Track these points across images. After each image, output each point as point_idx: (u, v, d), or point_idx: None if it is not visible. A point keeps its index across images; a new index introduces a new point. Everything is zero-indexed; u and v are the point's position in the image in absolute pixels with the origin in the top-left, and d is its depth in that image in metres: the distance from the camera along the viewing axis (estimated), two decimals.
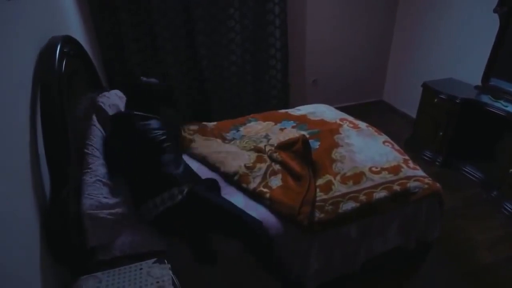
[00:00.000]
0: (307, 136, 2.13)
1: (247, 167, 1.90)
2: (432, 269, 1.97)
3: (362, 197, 1.70)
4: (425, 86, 2.96)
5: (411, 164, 1.95)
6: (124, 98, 2.12)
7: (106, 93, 2.05)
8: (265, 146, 2.13)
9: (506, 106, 2.41)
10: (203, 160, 2.03)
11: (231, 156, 2.01)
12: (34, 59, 1.29)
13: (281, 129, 2.38)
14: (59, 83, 1.27)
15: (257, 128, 2.42)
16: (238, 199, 1.67)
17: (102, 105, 1.89)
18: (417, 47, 3.52)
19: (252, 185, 1.77)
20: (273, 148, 2.08)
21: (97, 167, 1.49)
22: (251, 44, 3.17)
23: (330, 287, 1.79)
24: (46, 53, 1.34)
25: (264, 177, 1.84)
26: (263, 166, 1.92)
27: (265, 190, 1.72)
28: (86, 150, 1.53)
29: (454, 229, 2.24)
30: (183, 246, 1.48)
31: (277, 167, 1.91)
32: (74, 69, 1.64)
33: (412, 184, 1.78)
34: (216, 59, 3.10)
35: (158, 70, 2.98)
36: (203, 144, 2.17)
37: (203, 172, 1.90)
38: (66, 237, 1.19)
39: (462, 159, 2.84)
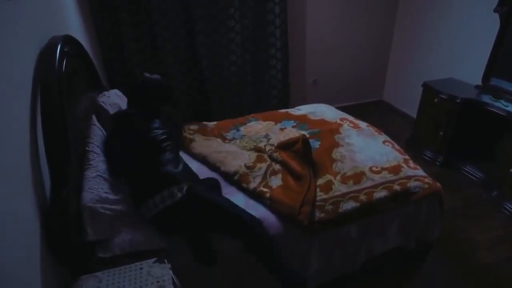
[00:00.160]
0: (307, 135, 2.13)
1: (247, 167, 1.90)
2: (432, 269, 1.97)
3: (362, 197, 1.69)
4: (425, 86, 2.96)
5: (411, 163, 1.94)
6: (124, 98, 2.13)
7: (106, 93, 2.05)
8: (265, 145, 2.13)
9: (507, 106, 2.41)
10: (203, 159, 2.03)
11: (231, 155, 2.01)
12: (34, 59, 1.29)
13: (281, 129, 2.38)
14: (59, 83, 1.27)
15: (257, 127, 2.42)
16: (238, 199, 1.67)
17: (103, 104, 1.90)
18: (417, 47, 3.52)
19: (252, 185, 1.77)
20: (273, 147, 2.08)
21: (98, 163, 1.50)
22: (251, 44, 3.17)
23: (330, 287, 1.79)
24: (46, 53, 1.34)
25: (264, 176, 1.84)
26: (263, 165, 1.92)
27: (265, 189, 1.72)
28: (86, 148, 1.54)
29: (454, 229, 2.24)
30: (183, 246, 1.48)
31: (277, 166, 1.91)
32: (74, 69, 1.64)
33: (412, 183, 1.78)
34: (216, 59, 3.10)
35: (158, 70, 2.97)
36: (203, 144, 2.17)
37: (203, 172, 1.90)
38: (66, 237, 1.19)
39: (462, 159, 2.84)
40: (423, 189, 1.76)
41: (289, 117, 2.57)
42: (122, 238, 1.40)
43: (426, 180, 1.82)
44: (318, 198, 1.69)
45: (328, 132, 2.26)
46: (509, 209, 2.35)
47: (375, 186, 1.76)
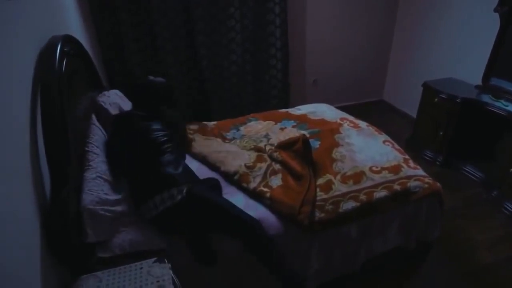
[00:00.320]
0: (308, 135, 2.13)
1: (247, 167, 1.90)
2: (432, 269, 1.97)
3: (363, 197, 1.69)
4: (425, 85, 2.96)
5: (411, 163, 1.94)
6: (124, 98, 2.13)
7: (106, 92, 2.05)
8: (265, 145, 2.13)
9: (507, 106, 2.41)
10: (203, 159, 2.03)
11: (231, 155, 2.01)
12: (34, 59, 1.29)
13: (281, 129, 2.38)
14: (59, 83, 1.27)
15: (257, 127, 2.42)
16: (238, 199, 1.67)
17: (102, 104, 1.90)
18: (417, 47, 3.52)
19: (252, 185, 1.77)
20: (273, 147, 2.08)
21: (98, 164, 1.50)
22: (251, 43, 3.17)
23: (330, 287, 1.79)
24: (46, 52, 1.34)
25: (264, 176, 1.84)
26: (263, 165, 1.92)
27: (265, 189, 1.72)
28: (86, 148, 1.54)
29: (454, 229, 2.24)
30: (183, 246, 1.48)
31: (277, 166, 1.91)
32: (74, 69, 1.64)
33: (412, 183, 1.78)
34: (216, 59, 3.10)
35: (158, 70, 2.98)
36: (203, 144, 2.17)
37: (203, 172, 1.90)
38: (66, 237, 1.19)
39: (462, 159, 2.84)
40: (423, 189, 1.76)
41: (289, 117, 2.57)
42: (122, 238, 1.40)
43: (426, 180, 1.82)
44: (318, 198, 1.69)
45: (328, 132, 2.26)
46: (509, 209, 2.35)
47: (375, 186, 1.76)
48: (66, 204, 1.18)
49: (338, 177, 1.82)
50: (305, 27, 3.46)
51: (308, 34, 3.50)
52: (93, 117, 1.79)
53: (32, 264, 1.04)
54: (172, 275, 1.19)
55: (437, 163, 2.93)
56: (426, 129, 3.02)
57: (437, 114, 2.84)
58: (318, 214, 1.61)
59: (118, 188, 1.54)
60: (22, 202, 1.04)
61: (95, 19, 2.67)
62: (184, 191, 1.47)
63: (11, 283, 0.90)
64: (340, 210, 1.64)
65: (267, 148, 2.09)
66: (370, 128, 2.35)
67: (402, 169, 1.87)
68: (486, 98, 2.56)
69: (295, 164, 1.87)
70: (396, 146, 2.15)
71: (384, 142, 2.16)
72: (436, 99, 2.80)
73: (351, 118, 2.52)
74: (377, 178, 1.81)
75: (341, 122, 2.43)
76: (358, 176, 1.81)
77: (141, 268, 1.20)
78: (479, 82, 2.74)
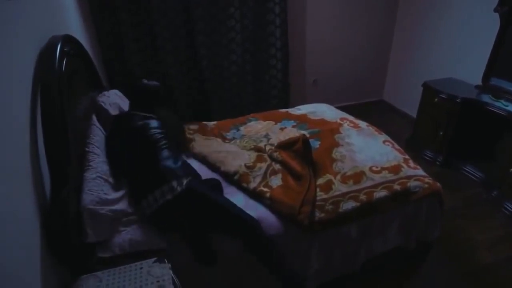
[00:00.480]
0: (308, 135, 2.13)
1: (247, 167, 1.90)
2: (432, 269, 1.97)
3: (363, 197, 1.69)
4: (425, 85, 2.96)
5: (411, 163, 1.94)
6: (124, 98, 2.13)
7: (106, 93, 2.06)
8: (265, 145, 2.13)
9: (507, 106, 2.41)
10: (203, 159, 2.03)
11: (231, 155, 2.01)
12: (34, 59, 1.29)
13: (281, 129, 2.38)
14: (59, 83, 1.27)
15: (257, 127, 2.42)
16: (238, 199, 1.67)
17: (102, 104, 1.91)
18: (417, 47, 3.52)
19: (252, 185, 1.77)
20: (273, 147, 2.08)
21: (98, 164, 1.50)
22: (251, 43, 3.17)
23: (330, 287, 1.79)
24: (46, 52, 1.34)
25: (264, 176, 1.84)
26: (263, 165, 1.92)
27: (265, 189, 1.72)
28: (86, 149, 1.55)
29: (454, 229, 2.23)
30: (183, 246, 1.48)
31: (277, 166, 1.91)
32: (74, 69, 1.64)
33: (412, 183, 1.78)
34: (216, 59, 3.10)
35: (158, 70, 2.98)
36: (203, 144, 2.17)
37: (203, 172, 1.90)
38: (66, 237, 1.19)
39: (462, 159, 2.84)
40: (423, 189, 1.76)
41: (289, 116, 2.57)
42: (122, 238, 1.40)
43: (426, 180, 1.82)
44: (318, 198, 1.69)
45: (328, 132, 2.26)
46: (509, 209, 2.35)
47: (375, 186, 1.76)
48: (66, 204, 1.18)
49: (338, 177, 1.82)
50: (305, 27, 3.46)
51: (308, 34, 3.50)
52: (94, 117, 1.79)
53: (32, 264, 1.04)
54: (172, 275, 1.19)
55: (437, 163, 2.93)
56: (426, 129, 3.02)
57: (437, 114, 2.84)
58: (318, 214, 1.61)
59: (118, 188, 1.54)
60: (22, 202, 1.04)
61: (95, 19, 2.67)
62: (184, 183, 1.48)
63: (11, 283, 0.90)
64: (340, 210, 1.64)
65: (267, 148, 2.09)
66: (370, 128, 2.35)
67: (402, 169, 1.87)
68: (486, 98, 2.56)
69: (295, 164, 1.87)
70: (396, 146, 2.15)
71: (384, 142, 2.16)
72: (436, 99, 2.80)
73: (351, 118, 2.52)
74: (377, 178, 1.81)
75: (341, 122, 2.43)
76: (358, 176, 1.81)
77: (141, 268, 1.20)
78: (479, 82, 2.74)
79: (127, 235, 1.42)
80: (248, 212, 1.55)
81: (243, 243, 1.50)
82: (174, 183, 1.47)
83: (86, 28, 2.47)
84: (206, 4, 2.83)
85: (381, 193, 1.72)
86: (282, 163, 1.92)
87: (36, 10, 1.43)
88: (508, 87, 2.52)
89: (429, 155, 3.01)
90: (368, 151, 2.02)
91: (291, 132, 2.32)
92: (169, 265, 1.23)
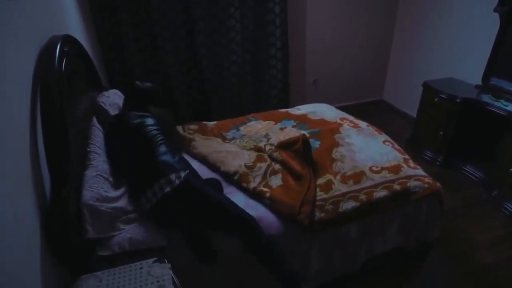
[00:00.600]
0: (307, 135, 2.13)
1: (247, 167, 1.90)
2: (432, 269, 1.97)
3: (362, 197, 1.69)
4: (425, 85, 2.96)
5: (411, 163, 1.94)
6: (123, 97, 2.14)
7: (105, 93, 2.06)
8: (265, 145, 2.13)
9: (507, 106, 2.41)
10: (203, 159, 2.03)
11: (231, 155, 2.01)
12: (34, 59, 1.29)
13: (281, 129, 2.38)
14: (59, 83, 1.27)
15: (257, 127, 2.42)
16: (238, 199, 1.68)
17: (102, 105, 1.91)
18: (417, 47, 3.52)
19: (252, 185, 1.77)
20: (273, 147, 2.08)
21: (98, 163, 1.52)
22: (251, 43, 3.17)
23: (330, 287, 1.79)
24: (46, 52, 1.34)
25: (264, 176, 1.84)
26: (263, 165, 1.92)
27: (265, 189, 1.72)
28: (87, 148, 1.56)
29: (454, 229, 2.23)
30: (183, 245, 1.48)
31: (277, 166, 1.91)
32: (74, 69, 1.64)
33: (412, 183, 1.78)
34: (216, 59, 3.10)
35: (158, 70, 2.98)
36: (203, 144, 2.17)
37: (203, 172, 1.90)
38: (66, 237, 1.19)
39: (462, 158, 2.84)
40: (423, 188, 1.76)
41: (289, 116, 2.57)
42: (122, 237, 1.41)
43: (426, 179, 1.82)
44: (318, 197, 1.69)
45: (328, 132, 2.26)
46: (509, 209, 2.35)
47: (375, 186, 1.76)
48: (66, 204, 1.18)
49: (338, 177, 1.82)
50: (305, 27, 3.46)
51: (308, 34, 3.50)
52: (94, 119, 1.80)
53: (32, 264, 1.04)
54: (172, 275, 1.19)
55: (437, 163, 2.93)
56: (426, 129, 3.02)
57: (437, 114, 2.84)
58: (318, 214, 1.61)
59: (118, 187, 1.54)
60: (22, 202, 1.04)
61: (95, 19, 2.67)
62: (183, 176, 1.49)
63: (11, 283, 0.90)
64: (340, 210, 1.64)
65: (267, 148, 2.09)
66: (370, 128, 2.35)
67: (402, 169, 1.87)
68: (486, 98, 2.56)
69: (295, 164, 1.87)
70: (396, 146, 2.15)
71: (384, 142, 2.16)
72: (436, 99, 2.80)
73: (351, 118, 2.52)
74: (377, 178, 1.81)
75: (341, 122, 2.43)
76: (358, 176, 1.81)
77: (141, 268, 1.20)
78: (479, 82, 2.74)
79: (127, 233, 1.42)
80: (248, 212, 1.55)
81: (243, 243, 1.50)
82: (172, 176, 1.48)
83: (86, 28, 2.47)
84: (206, 4, 2.83)
85: (381, 193, 1.72)
86: (282, 163, 1.92)
87: (36, 10, 1.43)
88: (508, 87, 2.52)
89: (429, 155, 3.01)
90: (368, 151, 2.02)
91: (291, 132, 2.32)
92: (169, 265, 1.23)
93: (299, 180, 1.78)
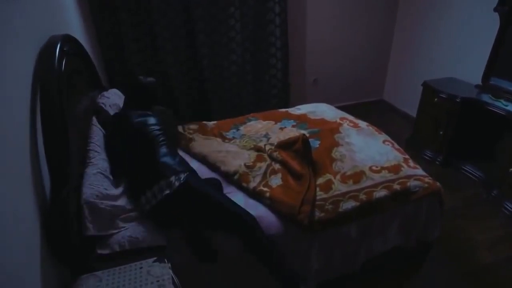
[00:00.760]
0: (307, 135, 2.13)
1: (247, 166, 1.90)
2: (432, 269, 1.97)
3: (362, 196, 1.69)
4: (425, 85, 2.96)
5: (411, 163, 1.94)
6: (123, 97, 2.13)
7: (105, 93, 2.06)
8: (265, 145, 2.13)
9: (507, 105, 2.40)
10: (203, 159, 2.03)
11: (231, 155, 2.01)
12: (34, 58, 1.29)
13: (281, 128, 2.38)
14: (59, 82, 1.27)
15: (257, 127, 2.42)
16: (238, 198, 1.68)
17: (103, 106, 1.91)
18: (417, 47, 3.52)
19: (252, 184, 1.77)
20: (273, 147, 2.08)
21: (98, 161, 1.52)
22: (251, 43, 3.17)
23: (330, 287, 1.79)
24: (46, 52, 1.34)
25: (264, 176, 1.84)
26: (263, 165, 1.93)
27: (265, 189, 1.72)
28: (87, 147, 1.56)
29: (454, 229, 2.23)
30: (183, 244, 1.48)
31: (277, 166, 1.91)
32: (74, 68, 1.64)
33: (412, 183, 1.78)
34: (216, 59, 3.10)
35: (158, 70, 2.98)
36: (203, 143, 2.17)
37: (203, 172, 1.90)
38: (66, 237, 1.19)
39: (462, 158, 2.84)
40: (423, 188, 1.76)
41: (289, 116, 2.57)
42: (122, 235, 1.41)
43: (426, 179, 1.82)
44: (318, 197, 1.69)
45: (328, 132, 2.26)
46: (509, 208, 2.35)
47: (375, 186, 1.76)
48: (66, 204, 1.18)
49: (338, 176, 1.82)
50: (305, 27, 3.46)
51: (308, 34, 3.50)
52: (94, 118, 1.80)
53: (32, 264, 1.05)
54: (172, 274, 1.19)
55: (437, 162, 2.93)
56: (426, 128, 3.02)
57: (437, 114, 2.84)
58: (318, 214, 1.61)
59: (118, 185, 1.55)
60: (22, 202, 1.04)
61: (95, 19, 2.67)
62: (182, 178, 1.48)
63: (11, 283, 0.90)
64: (340, 210, 1.64)
65: (267, 147, 2.09)
66: (370, 127, 2.35)
67: (402, 168, 1.87)
68: (486, 98, 2.56)
69: (295, 164, 1.87)
70: (396, 145, 2.15)
71: (384, 141, 2.16)
72: (436, 99, 2.80)
73: (351, 117, 2.52)
74: (377, 177, 1.81)
75: (341, 121, 2.43)
76: (358, 176, 1.81)
77: (141, 267, 1.20)
78: (479, 82, 2.74)
79: (127, 232, 1.42)
80: (248, 211, 1.55)
81: (243, 243, 1.50)
82: (173, 179, 1.48)
83: (86, 28, 2.47)
84: (206, 4, 2.83)
85: (381, 193, 1.72)
86: (282, 162, 1.92)
87: (36, 10, 1.43)
88: (508, 86, 2.51)
89: (429, 154, 3.01)
90: (368, 151, 2.02)
91: (291, 131, 2.32)
92: (169, 264, 1.23)
93: (299, 179, 1.78)
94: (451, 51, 3.11)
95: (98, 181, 1.41)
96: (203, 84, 3.18)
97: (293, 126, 2.42)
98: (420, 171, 1.89)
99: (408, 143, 3.19)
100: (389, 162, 1.92)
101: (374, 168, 1.87)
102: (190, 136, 2.27)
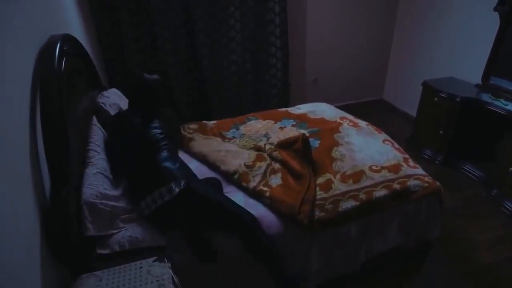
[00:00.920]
0: (307, 134, 2.13)
1: (247, 166, 1.90)
2: (432, 269, 1.97)
3: (362, 196, 1.69)
4: (425, 84, 2.96)
5: (411, 162, 1.94)
6: (124, 97, 2.13)
7: (105, 93, 2.06)
8: (265, 144, 2.13)
9: (506, 105, 2.40)
10: (203, 159, 2.03)
11: (231, 154, 2.01)
12: (34, 58, 1.29)
13: (281, 128, 2.38)
14: (59, 82, 1.27)
15: (257, 126, 2.42)
16: (238, 198, 1.68)
17: (103, 105, 1.91)
18: (417, 46, 3.52)
19: (252, 184, 1.77)
20: (273, 146, 2.08)
21: (98, 161, 1.52)
22: (251, 43, 3.17)
23: (330, 286, 1.79)
24: (46, 51, 1.34)
25: (264, 176, 1.84)
26: (263, 164, 1.93)
27: (265, 189, 1.72)
28: (87, 147, 1.56)
29: (454, 229, 2.23)
30: (183, 244, 1.48)
31: (277, 165, 1.91)
32: (74, 68, 1.64)
33: (412, 182, 1.78)
34: (216, 59, 3.10)
35: (158, 70, 2.97)
36: (202, 143, 2.17)
37: (203, 171, 1.90)
38: (66, 236, 1.19)
39: (462, 158, 2.84)
40: (423, 188, 1.76)
41: (289, 116, 2.57)
42: (122, 235, 1.41)
43: (426, 179, 1.81)
44: (318, 197, 1.69)
45: (328, 131, 2.26)
46: (509, 208, 2.35)
47: (375, 185, 1.76)
48: (66, 204, 1.18)
49: (338, 176, 1.82)
50: (305, 26, 3.46)
51: (308, 34, 3.50)
52: (94, 118, 1.80)
53: (32, 264, 1.05)
54: (172, 274, 1.19)
55: (437, 162, 2.93)
56: (426, 128, 3.02)
57: (437, 113, 2.84)
58: (318, 213, 1.61)
59: (118, 186, 1.55)
60: (22, 202, 1.04)
61: (95, 19, 2.67)
62: (182, 184, 1.48)
63: (11, 283, 0.90)
64: (340, 209, 1.64)
65: (267, 147, 2.09)
66: (370, 127, 2.35)
67: (402, 168, 1.87)
68: (486, 97, 2.56)
69: (294, 163, 1.87)
70: (396, 145, 2.15)
71: (384, 141, 2.16)
72: (436, 99, 2.80)
73: (350, 117, 2.52)
74: (377, 177, 1.81)
75: (341, 121, 2.43)
76: (357, 175, 1.81)
77: (141, 267, 1.20)
78: (479, 81, 2.74)
79: (127, 232, 1.43)
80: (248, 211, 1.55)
81: (243, 243, 1.50)
82: (173, 185, 1.48)
83: (86, 28, 2.47)
84: (206, 4, 2.83)
85: (380, 192, 1.72)
86: (282, 162, 1.92)
87: (36, 10, 1.43)
88: (507, 86, 2.51)
89: (429, 154, 3.01)
90: (368, 150, 2.02)
91: (290, 131, 2.32)
92: (169, 264, 1.23)
93: (299, 179, 1.78)
94: (451, 51, 3.11)
95: (98, 181, 1.41)
96: (203, 84, 3.18)
97: (293, 125, 2.42)
98: (420, 171, 1.89)
99: (408, 142, 3.19)
100: (389, 161, 1.92)
101: (374, 167, 1.87)
102: (190, 135, 2.27)
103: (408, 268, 1.99)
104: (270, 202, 1.65)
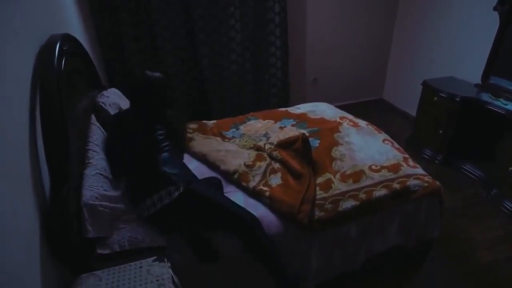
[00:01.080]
0: (307, 134, 2.13)
1: (246, 166, 1.90)
2: (432, 269, 1.97)
3: (362, 195, 1.69)
4: (425, 84, 2.96)
5: (411, 162, 1.94)
6: (124, 97, 2.13)
7: (105, 92, 2.06)
8: (264, 144, 2.13)
9: (506, 105, 2.40)
10: (202, 158, 2.03)
11: (231, 154, 2.01)
12: (34, 57, 1.29)
13: (281, 128, 2.38)
14: (58, 81, 1.27)
15: (257, 126, 2.42)
16: (238, 198, 1.68)
17: (103, 105, 1.91)
18: (417, 46, 3.52)
19: (252, 184, 1.77)
20: (272, 146, 2.08)
21: (97, 161, 1.51)
22: (251, 42, 3.17)
23: (330, 286, 1.79)
24: (46, 51, 1.34)
25: (264, 175, 1.84)
26: (263, 164, 1.93)
27: (265, 188, 1.72)
28: (86, 147, 1.56)
29: (454, 229, 2.23)
30: (183, 244, 1.48)
31: (276, 165, 1.91)
32: (74, 68, 1.64)
33: (412, 182, 1.78)
34: (216, 59, 3.10)
35: (158, 70, 2.97)
36: (202, 143, 2.17)
37: (203, 171, 1.90)
38: (66, 236, 1.19)
39: (462, 157, 2.84)
40: (423, 187, 1.76)
41: (289, 115, 2.57)
42: (122, 235, 1.41)
43: (426, 178, 1.81)
44: (317, 196, 1.69)
45: (328, 131, 2.26)
46: (509, 208, 2.35)
47: (375, 185, 1.76)
48: (66, 204, 1.18)
49: (338, 176, 1.82)
50: (305, 26, 3.46)
51: (308, 33, 3.50)
52: (93, 117, 1.79)
53: (32, 264, 1.05)
54: (172, 274, 1.19)
55: (437, 162, 2.93)
56: (426, 128, 3.02)
57: (437, 113, 2.84)
58: (318, 213, 1.61)
59: (117, 186, 1.54)
60: (22, 202, 1.04)
61: (95, 19, 2.67)
62: (181, 188, 1.48)
63: (11, 283, 0.90)
64: (340, 209, 1.64)
65: (267, 147, 2.09)
66: (370, 127, 2.35)
67: (402, 168, 1.87)
68: (486, 97, 2.56)
69: (294, 163, 1.87)
70: (396, 145, 2.15)
71: (383, 141, 2.16)
72: (435, 98, 2.80)
73: (350, 117, 2.52)
74: (377, 177, 1.81)
75: (341, 121, 2.43)
76: (357, 175, 1.81)
77: (141, 267, 1.20)
78: (479, 81, 2.74)
79: (127, 232, 1.43)
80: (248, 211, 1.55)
81: (243, 243, 1.50)
82: (172, 188, 1.48)
83: (86, 28, 2.47)
84: (206, 3, 2.83)
85: (380, 192, 1.72)
86: (282, 162, 1.92)
87: (36, 10, 1.43)
88: (507, 85, 2.51)
89: (428, 154, 3.01)
90: (367, 150, 2.02)
91: (290, 131, 2.32)
92: (169, 264, 1.23)
93: (298, 179, 1.78)
94: (451, 50, 3.11)
95: (97, 183, 1.41)
96: (203, 84, 3.18)
97: (292, 125, 2.42)
98: (419, 170, 1.89)
99: (407, 142, 3.19)
100: (388, 161, 1.92)
101: (373, 167, 1.87)
102: (190, 135, 2.26)
103: (408, 268, 1.99)
104: (270, 202, 1.65)
